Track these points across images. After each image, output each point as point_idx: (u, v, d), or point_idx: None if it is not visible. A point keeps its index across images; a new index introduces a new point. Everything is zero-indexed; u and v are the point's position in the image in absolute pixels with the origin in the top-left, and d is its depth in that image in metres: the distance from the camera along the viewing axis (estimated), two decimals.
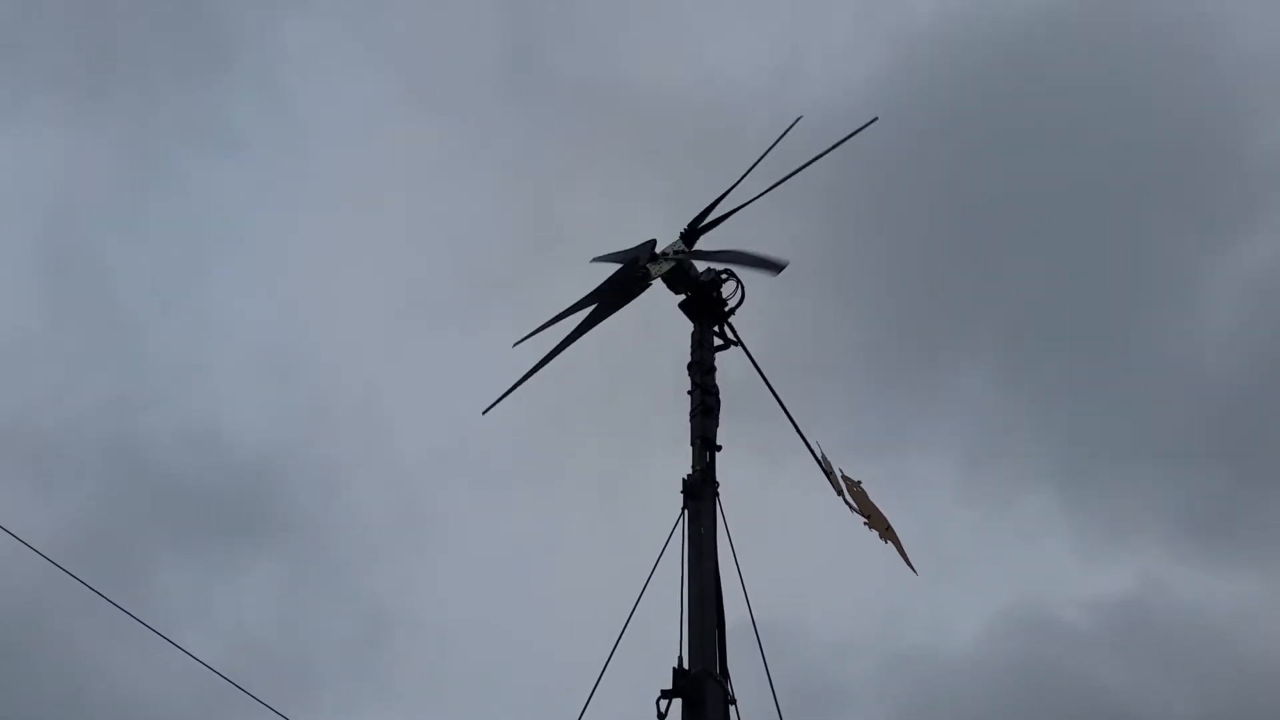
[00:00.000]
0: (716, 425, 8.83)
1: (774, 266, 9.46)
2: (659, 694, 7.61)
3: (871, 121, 10.05)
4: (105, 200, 28.62)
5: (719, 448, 8.71)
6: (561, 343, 9.95)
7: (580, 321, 9.93)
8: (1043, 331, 23.48)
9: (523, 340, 10.08)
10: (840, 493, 9.21)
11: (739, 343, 9.45)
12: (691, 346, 9.27)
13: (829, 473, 9.26)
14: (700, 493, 8.42)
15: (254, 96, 30.13)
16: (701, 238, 9.77)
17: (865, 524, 9.15)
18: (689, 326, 9.36)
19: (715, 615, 8.05)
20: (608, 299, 9.81)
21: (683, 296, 9.56)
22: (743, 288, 9.48)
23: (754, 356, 9.35)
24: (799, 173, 10.09)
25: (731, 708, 7.81)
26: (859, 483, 9.37)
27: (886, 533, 9.15)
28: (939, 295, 23.29)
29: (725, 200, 9.88)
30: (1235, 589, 21.03)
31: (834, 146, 10.08)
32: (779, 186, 9.90)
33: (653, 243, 9.81)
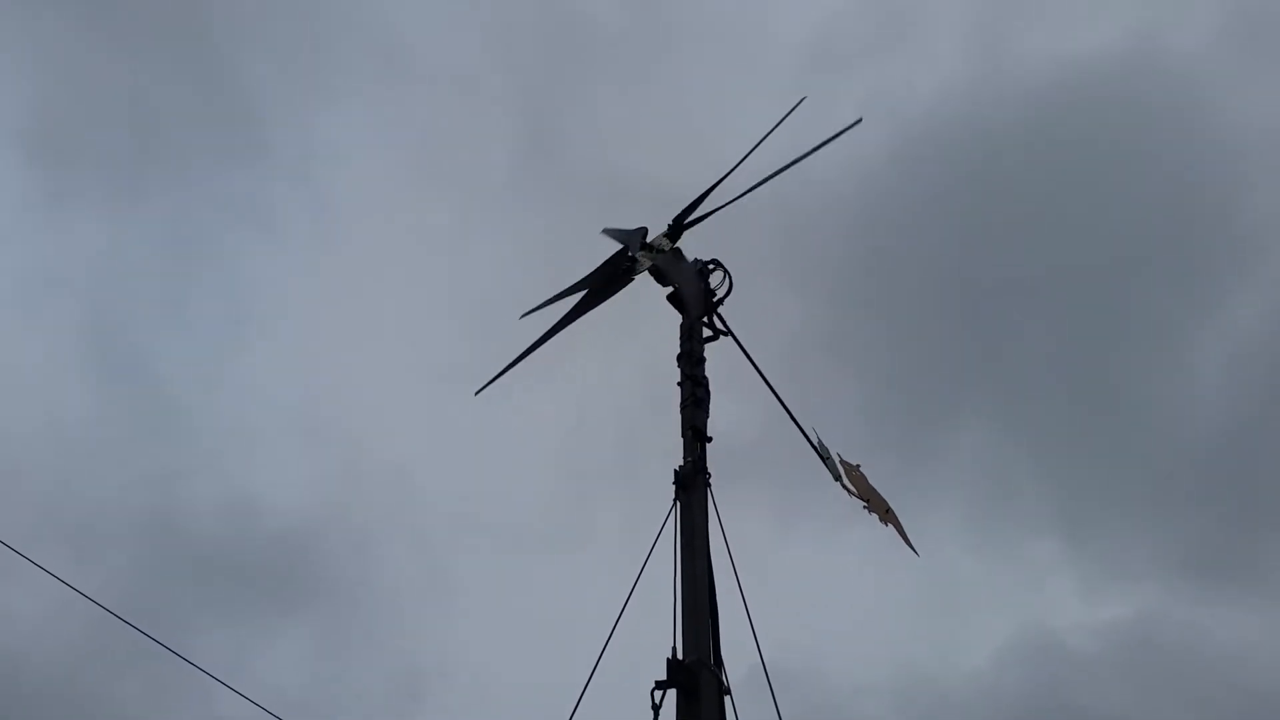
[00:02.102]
0: (707, 416, 8.83)
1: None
2: (653, 684, 7.62)
3: (857, 122, 10.17)
4: (147, 281, 30.00)
5: (710, 439, 8.71)
6: (549, 330, 10.01)
7: (570, 309, 9.97)
8: (1042, 389, 24.82)
9: (530, 312, 10.20)
10: (838, 478, 9.21)
11: (729, 332, 9.44)
12: (680, 338, 9.27)
13: (825, 458, 9.25)
14: (691, 483, 8.41)
15: (288, 182, 31.60)
16: (686, 233, 9.78)
17: (865, 508, 9.14)
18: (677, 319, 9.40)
19: (708, 605, 8.05)
20: (599, 284, 9.83)
21: (671, 289, 9.56)
22: (730, 278, 9.49)
23: (744, 346, 9.37)
24: (785, 171, 10.12)
25: (726, 697, 7.83)
26: (858, 466, 9.36)
27: (886, 515, 9.15)
28: (941, 359, 24.58)
29: (711, 197, 9.91)
30: (1229, 621, 22.13)
31: (820, 146, 10.13)
32: (765, 185, 9.95)
33: (644, 230, 9.84)
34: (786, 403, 9.40)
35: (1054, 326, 24.78)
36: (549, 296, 10.11)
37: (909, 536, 9.12)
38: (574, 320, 10.04)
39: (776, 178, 9.86)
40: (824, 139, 10.01)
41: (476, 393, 10.00)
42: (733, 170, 9.90)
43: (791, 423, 9.40)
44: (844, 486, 9.16)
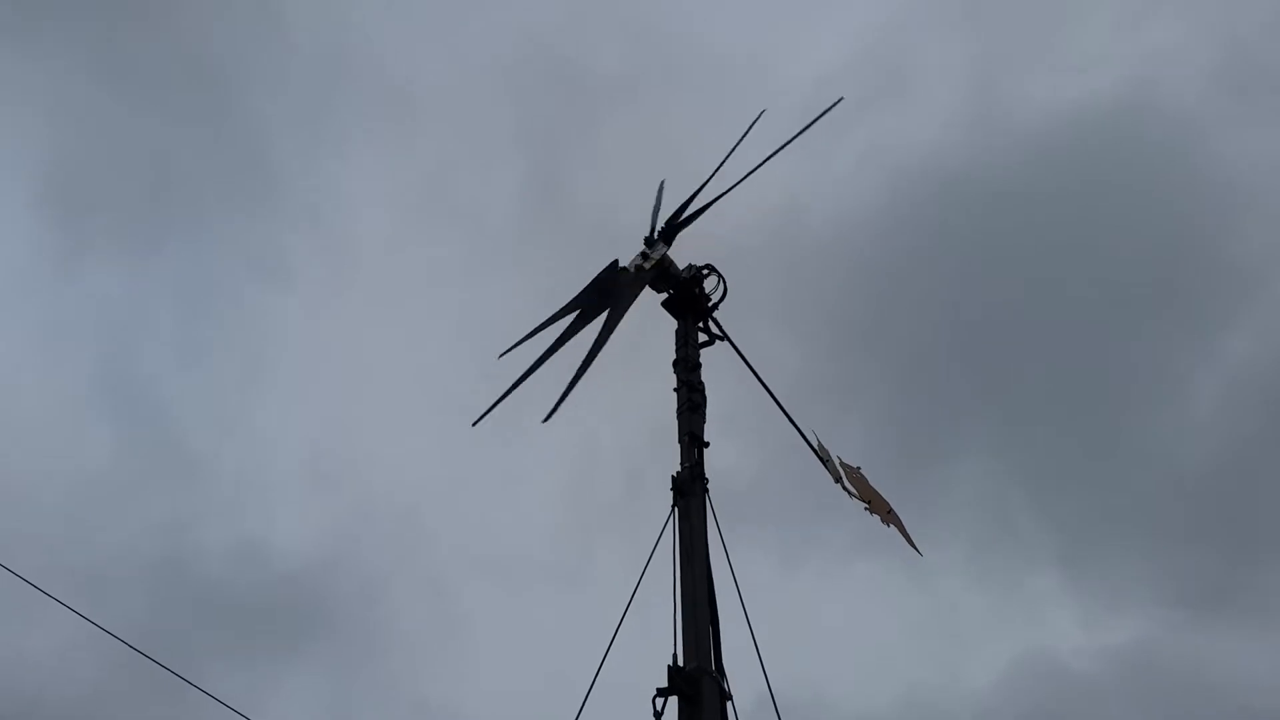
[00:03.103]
0: (703, 421, 8.78)
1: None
2: (655, 692, 7.56)
3: (838, 101, 10.29)
4: (161, 328, 30.64)
5: (707, 444, 8.66)
6: (547, 351, 9.85)
7: (565, 328, 9.86)
8: (1039, 427, 25.48)
9: (507, 352, 10.03)
10: (838, 480, 9.10)
11: (725, 337, 9.42)
12: (676, 344, 9.25)
13: (825, 460, 9.16)
14: (689, 489, 8.34)
15: (300, 228, 32.29)
16: (680, 238, 9.80)
17: (866, 509, 9.02)
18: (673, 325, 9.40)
19: (709, 612, 7.98)
20: (592, 301, 9.75)
21: (665, 295, 9.56)
22: (724, 282, 9.49)
23: (741, 350, 9.34)
24: (770, 160, 10.17)
25: (728, 704, 7.74)
26: (858, 468, 9.27)
27: (888, 516, 9.04)
28: (939, 398, 25.10)
29: (700, 195, 9.96)
30: (1227, 648, 22.48)
31: (804, 130, 10.18)
32: (751, 176, 10.01)
33: (615, 262, 9.78)
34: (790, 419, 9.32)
35: (1050, 363, 25.52)
36: (525, 333, 9.92)
37: (911, 536, 9.01)
38: (572, 337, 9.88)
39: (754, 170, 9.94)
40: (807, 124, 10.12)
41: (473, 424, 9.75)
42: (712, 176, 10.01)
43: (797, 437, 9.31)
44: (845, 489, 9.05)
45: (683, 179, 10.48)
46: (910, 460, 24.35)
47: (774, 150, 10.27)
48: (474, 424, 9.71)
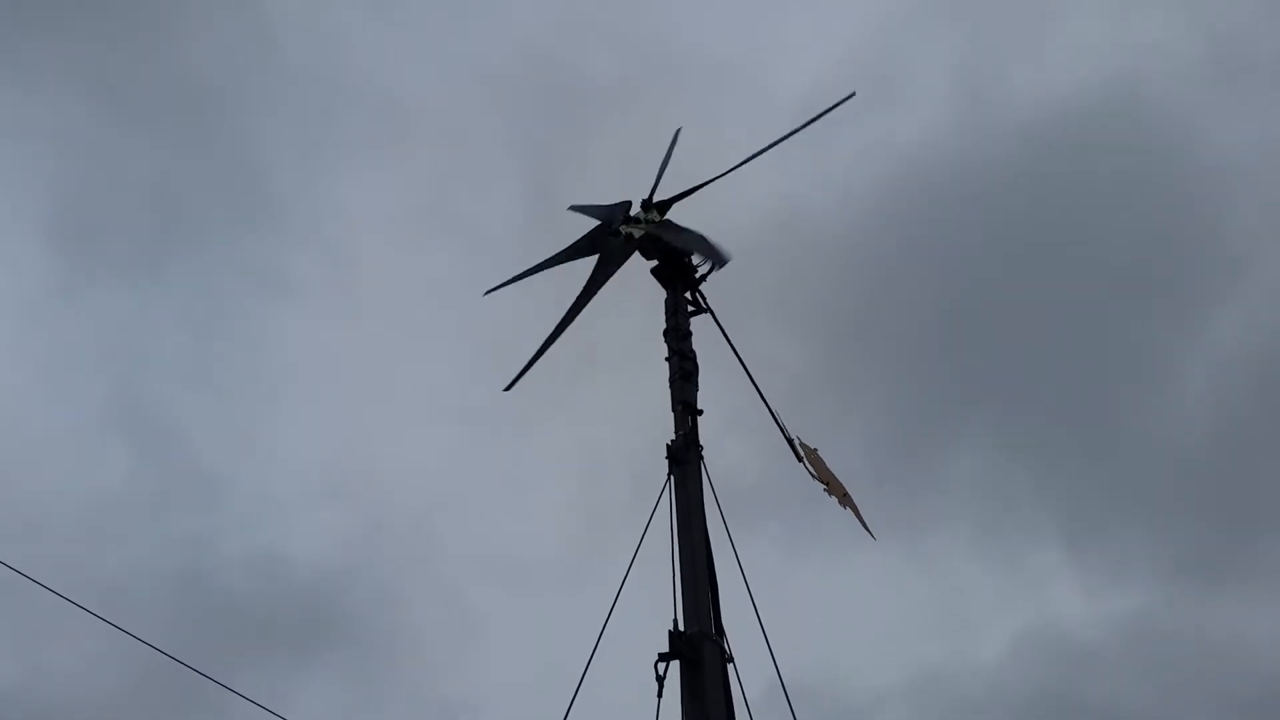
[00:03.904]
0: (696, 389, 8.86)
1: (719, 259, 9.50)
2: (656, 657, 7.62)
3: (850, 96, 10.36)
4: (173, 349, 30.69)
5: (700, 411, 8.74)
6: (565, 318, 10.01)
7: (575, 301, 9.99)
8: (1037, 409, 26.22)
9: (495, 289, 10.43)
10: (800, 459, 9.11)
11: (709, 309, 9.49)
12: (666, 313, 9.33)
13: (790, 440, 9.19)
14: (685, 457, 8.43)
15: (303, 245, 32.49)
16: (672, 207, 9.89)
17: (825, 490, 9.02)
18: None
19: (707, 576, 8.05)
20: (584, 253, 9.89)
21: (654, 263, 9.65)
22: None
23: (722, 324, 9.38)
24: (769, 150, 10.27)
25: (729, 666, 7.80)
26: (815, 450, 9.26)
27: (844, 498, 9.04)
28: (938, 385, 25.82)
29: (698, 174, 10.08)
30: (1226, 613, 23.31)
31: (814, 119, 10.28)
32: (751, 165, 10.13)
33: (628, 204, 9.96)
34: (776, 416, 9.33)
35: (1046, 348, 26.18)
36: (515, 274, 10.16)
37: (865, 520, 9.01)
38: (582, 307, 9.98)
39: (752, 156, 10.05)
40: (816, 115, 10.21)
41: (505, 389, 9.97)
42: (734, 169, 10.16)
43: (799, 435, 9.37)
44: (806, 469, 9.07)
45: (676, 186, 10.52)
46: (912, 447, 25.45)
47: (779, 139, 10.35)
48: (506, 389, 9.95)
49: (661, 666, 7.58)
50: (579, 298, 9.86)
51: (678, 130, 10.89)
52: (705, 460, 8.44)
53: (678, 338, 9.13)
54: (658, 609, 8.18)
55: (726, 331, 9.34)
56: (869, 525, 9.07)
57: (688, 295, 9.51)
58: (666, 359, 9.08)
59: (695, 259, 9.50)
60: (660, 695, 7.50)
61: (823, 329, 25.15)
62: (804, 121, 10.32)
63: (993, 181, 26.92)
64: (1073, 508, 25.44)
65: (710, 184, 10.29)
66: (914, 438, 25.54)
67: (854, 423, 24.49)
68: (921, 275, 25.83)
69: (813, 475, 9.05)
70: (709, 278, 9.44)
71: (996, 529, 25.59)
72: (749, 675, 7.98)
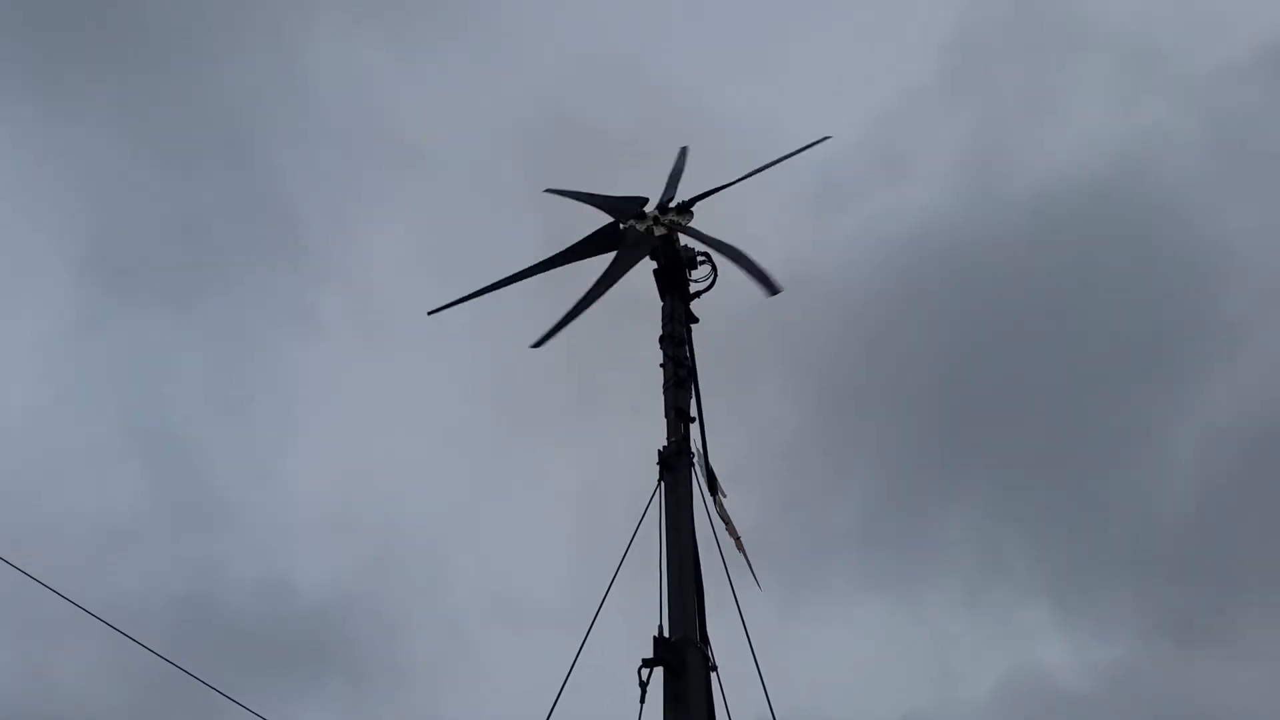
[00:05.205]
0: (690, 396, 8.85)
1: (770, 286, 9.42)
2: (640, 662, 7.56)
3: (825, 139, 11.17)
4: (197, 378, 31.33)
5: (693, 419, 8.73)
6: (595, 287, 9.92)
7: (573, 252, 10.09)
8: (1029, 474, 27.31)
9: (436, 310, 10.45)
10: (716, 494, 8.86)
11: (694, 320, 9.51)
12: (662, 320, 9.35)
13: (712, 474, 8.92)
14: (676, 464, 8.39)
15: (326, 281, 33.14)
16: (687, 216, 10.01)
17: (727, 530, 8.78)
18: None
19: (694, 583, 7.99)
20: (595, 247, 9.99)
21: (657, 265, 9.70)
22: (716, 274, 9.62)
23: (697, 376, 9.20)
24: (768, 168, 10.49)
25: (713, 674, 7.72)
26: (725, 496, 8.94)
27: (739, 543, 8.78)
28: (933, 447, 26.79)
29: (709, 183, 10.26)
30: (1205, 671, 24.08)
31: (791, 155, 10.65)
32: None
33: (644, 200, 10.07)
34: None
35: (1039, 413, 27.15)
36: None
37: (754, 571, 8.72)
38: (612, 285, 9.90)
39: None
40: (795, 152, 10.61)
41: (532, 346, 9.69)
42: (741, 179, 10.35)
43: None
44: (719, 506, 8.80)
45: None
46: (906, 507, 26.28)
47: (769, 162, 10.62)
48: (534, 345, 9.71)
49: (645, 672, 7.51)
50: (596, 285, 9.70)
51: (684, 149, 11.03)
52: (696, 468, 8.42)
53: (673, 344, 9.14)
54: (648, 615, 8.14)
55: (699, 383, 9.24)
56: (757, 575, 8.79)
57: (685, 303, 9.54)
58: (661, 365, 9.10)
59: (693, 275, 9.57)
60: (643, 701, 7.44)
61: (822, 390, 25.98)
62: (782, 155, 10.91)
63: (994, 253, 27.99)
64: (1061, 569, 26.41)
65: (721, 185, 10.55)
66: (908, 498, 26.54)
67: (850, 481, 25.56)
68: (920, 340, 26.76)
69: (722, 516, 8.79)
70: (701, 295, 9.54)
71: (987, 586, 26.58)
72: (737, 702, 7.92)
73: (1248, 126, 29.75)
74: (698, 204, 10.21)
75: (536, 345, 9.48)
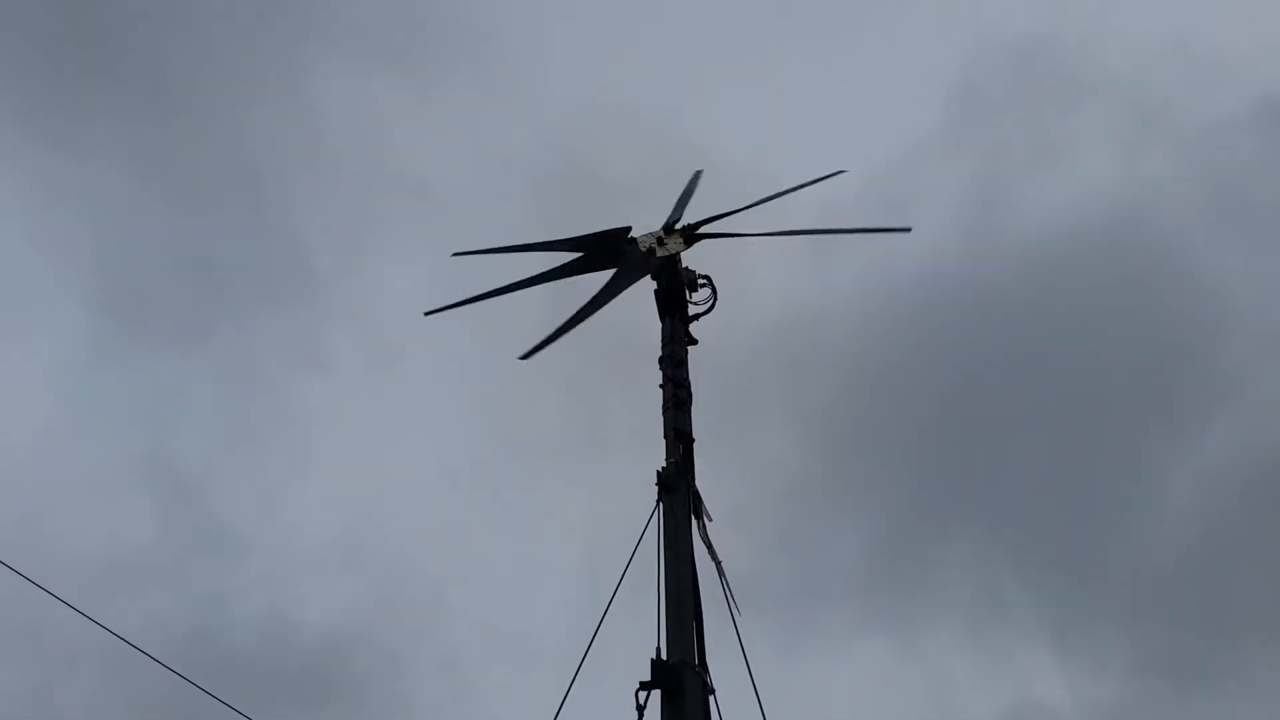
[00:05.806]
0: (689, 418, 8.82)
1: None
2: (638, 686, 7.49)
3: (839, 172, 11.24)
4: (206, 415, 31.59)
5: (693, 440, 8.69)
6: (590, 303, 9.81)
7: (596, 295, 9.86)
8: (1030, 514, 27.55)
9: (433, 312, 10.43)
10: (704, 518, 8.74)
11: (694, 341, 9.51)
12: (662, 340, 9.33)
13: (700, 500, 8.75)
14: (675, 485, 8.35)
15: (336, 319, 33.37)
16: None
17: (710, 554, 8.65)
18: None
19: (692, 606, 7.93)
20: (594, 251, 9.97)
21: (657, 285, 9.70)
22: (716, 296, 9.64)
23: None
24: (780, 196, 10.53)
25: (710, 698, 7.63)
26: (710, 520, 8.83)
27: (720, 567, 8.63)
28: (933, 491, 27.20)
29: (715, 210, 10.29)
30: (1204, 714, 24.62)
31: (802, 186, 10.73)
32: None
33: (628, 229, 10.07)
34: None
35: (1040, 457, 27.54)
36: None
37: (733, 597, 8.54)
38: (605, 302, 9.81)
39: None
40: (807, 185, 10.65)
41: (520, 358, 9.46)
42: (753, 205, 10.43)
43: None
44: (704, 531, 8.67)
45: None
46: (906, 548, 26.63)
47: (780, 191, 10.65)
48: (522, 357, 9.45)
49: (642, 695, 7.45)
50: (593, 301, 9.62)
51: (698, 172, 11.12)
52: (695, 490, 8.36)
53: (673, 364, 9.13)
54: (647, 640, 8.06)
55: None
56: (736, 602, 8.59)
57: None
58: (660, 385, 9.07)
59: (693, 297, 9.59)
60: None
61: (823, 430, 26.41)
62: (793, 186, 10.92)
63: (995, 298, 28.42)
64: (1061, 610, 26.67)
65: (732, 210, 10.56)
66: (909, 539, 26.85)
67: (851, 522, 25.99)
68: (922, 383, 27.10)
69: (707, 542, 8.66)
70: (701, 318, 9.55)
71: (986, 627, 26.95)
72: None
73: (1247, 178, 30.38)
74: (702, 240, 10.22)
75: (524, 357, 9.36)
